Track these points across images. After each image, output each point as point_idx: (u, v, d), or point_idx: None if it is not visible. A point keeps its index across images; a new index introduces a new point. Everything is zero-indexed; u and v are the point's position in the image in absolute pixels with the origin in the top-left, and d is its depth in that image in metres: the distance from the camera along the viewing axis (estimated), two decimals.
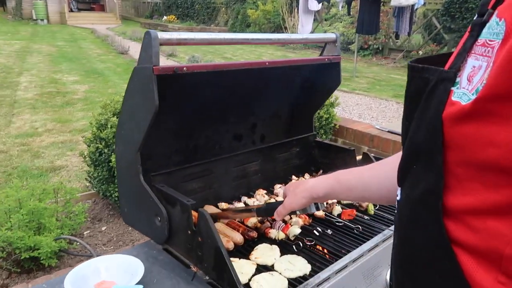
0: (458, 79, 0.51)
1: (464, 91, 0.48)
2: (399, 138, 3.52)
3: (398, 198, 0.66)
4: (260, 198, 1.70)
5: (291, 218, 1.54)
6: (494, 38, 0.47)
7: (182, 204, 1.23)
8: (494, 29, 0.47)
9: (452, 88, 0.50)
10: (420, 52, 11.44)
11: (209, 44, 1.35)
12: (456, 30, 9.63)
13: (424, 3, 9.56)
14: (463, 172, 0.49)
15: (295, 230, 1.45)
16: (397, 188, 0.67)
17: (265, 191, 1.75)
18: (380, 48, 12.28)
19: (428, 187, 0.54)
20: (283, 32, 15.43)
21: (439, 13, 10.42)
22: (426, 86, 0.55)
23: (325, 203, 1.29)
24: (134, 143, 1.33)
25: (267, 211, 1.28)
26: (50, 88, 7.63)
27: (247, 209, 1.41)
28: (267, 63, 1.51)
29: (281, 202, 1.20)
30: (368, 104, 7.18)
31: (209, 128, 1.68)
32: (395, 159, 0.90)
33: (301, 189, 1.11)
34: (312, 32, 11.19)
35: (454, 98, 0.49)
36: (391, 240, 1.14)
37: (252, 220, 1.50)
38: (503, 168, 0.44)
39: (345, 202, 1.69)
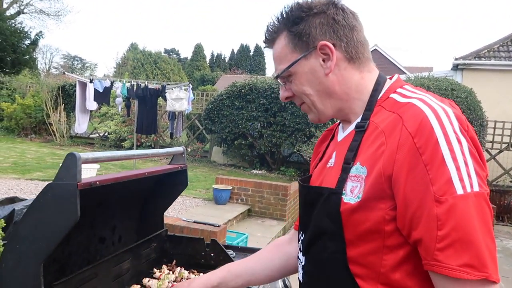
0: (344, 192, 0.93)
1: (350, 197, 0.91)
2: (205, 227, 4.03)
3: (302, 263, 1.07)
4: None
5: None
6: (361, 174, 0.90)
7: None
8: (360, 170, 0.90)
9: (342, 196, 0.93)
10: (189, 149, 12.94)
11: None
12: (216, 132, 11.56)
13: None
14: (353, 238, 0.90)
15: None
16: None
17: (138, 286, 1.92)
18: (153, 145, 13.22)
19: (336, 250, 0.93)
20: (46, 127, 14.54)
21: (201, 117, 12.32)
22: (321, 196, 0.99)
23: None
24: (38, 256, 1.37)
25: None
26: None
27: None
28: (146, 173, 1.83)
29: None
30: None
31: (80, 235, 1.79)
32: (272, 248, 1.33)
33: (197, 282, 1.28)
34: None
35: (345, 200, 0.91)
36: None
37: None
38: (373, 231, 0.87)
39: None
